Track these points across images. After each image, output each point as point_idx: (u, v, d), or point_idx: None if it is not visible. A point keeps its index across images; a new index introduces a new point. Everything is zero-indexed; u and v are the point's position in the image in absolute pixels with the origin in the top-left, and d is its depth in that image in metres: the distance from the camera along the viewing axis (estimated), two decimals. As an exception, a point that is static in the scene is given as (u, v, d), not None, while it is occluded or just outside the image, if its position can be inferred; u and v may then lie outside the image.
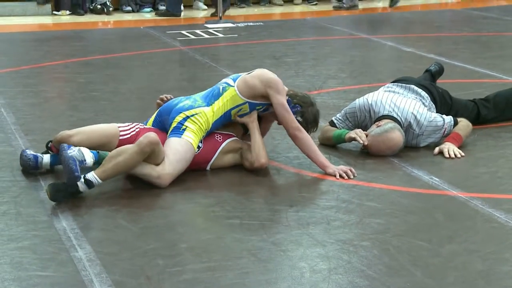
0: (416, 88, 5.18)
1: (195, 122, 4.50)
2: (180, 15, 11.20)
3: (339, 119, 5.14)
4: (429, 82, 5.50)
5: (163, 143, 4.39)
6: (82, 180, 4.10)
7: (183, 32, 9.79)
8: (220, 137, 4.64)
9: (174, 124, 4.51)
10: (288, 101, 4.59)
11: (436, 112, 5.11)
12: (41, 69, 7.71)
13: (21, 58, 8.26)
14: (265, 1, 12.44)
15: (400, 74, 5.85)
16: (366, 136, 4.84)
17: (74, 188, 4.08)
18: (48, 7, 11.44)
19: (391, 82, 5.38)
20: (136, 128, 4.57)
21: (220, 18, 10.63)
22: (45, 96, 6.63)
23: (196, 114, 4.53)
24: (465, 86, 6.39)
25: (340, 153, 4.93)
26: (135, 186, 4.34)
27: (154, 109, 4.83)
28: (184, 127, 4.48)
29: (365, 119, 5.03)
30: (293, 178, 4.58)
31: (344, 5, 11.67)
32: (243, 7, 12.18)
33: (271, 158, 4.78)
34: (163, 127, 4.61)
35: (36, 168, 4.53)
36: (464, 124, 5.00)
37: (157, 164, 4.28)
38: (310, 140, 4.56)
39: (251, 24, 10.49)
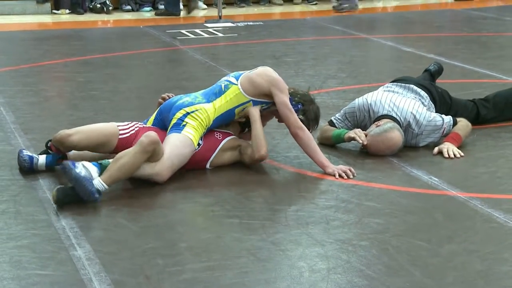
0: (415, 87, 5.18)
1: (195, 118, 4.51)
2: (179, 14, 11.20)
3: (338, 119, 5.14)
4: (429, 82, 5.50)
5: (163, 142, 4.39)
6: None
7: (183, 31, 9.79)
8: (219, 135, 4.65)
9: (174, 121, 4.52)
10: (289, 99, 4.60)
11: (436, 112, 5.12)
12: (41, 68, 7.70)
13: (20, 57, 8.26)
14: (265, 1, 12.44)
15: (400, 74, 5.85)
16: (366, 136, 4.84)
17: (94, 201, 4.06)
18: (48, 6, 11.44)
19: (391, 82, 5.38)
20: (136, 127, 4.57)
21: (220, 17, 10.63)
22: (45, 95, 6.63)
23: (197, 110, 4.54)
24: (465, 86, 6.39)
25: (339, 152, 4.93)
26: (134, 185, 4.34)
27: (154, 108, 4.83)
28: (184, 123, 4.49)
29: (364, 118, 5.03)
30: (292, 178, 4.59)
31: (345, 6, 11.64)
32: (243, 6, 12.18)
33: (271, 158, 4.78)
34: (163, 125, 4.61)
35: (32, 169, 4.52)
36: (463, 124, 5.00)
37: (156, 161, 4.28)
38: (311, 139, 4.57)
39: (250, 23, 10.49)
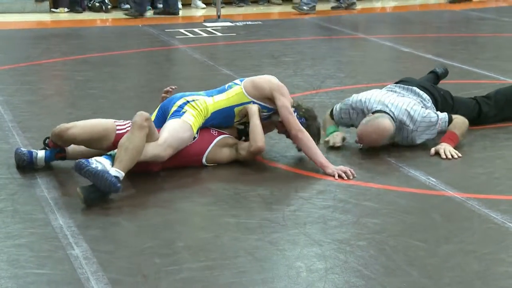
0: (417, 90, 5.19)
1: (195, 108, 4.58)
2: (178, 13, 11.20)
3: (337, 110, 5.14)
4: (431, 84, 5.50)
5: (162, 128, 4.44)
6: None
7: (182, 30, 9.79)
8: (215, 132, 4.69)
9: (174, 108, 4.59)
10: (294, 111, 4.64)
11: None
12: (39, 67, 7.70)
13: (19, 55, 8.26)
14: (264, 0, 12.44)
15: (398, 74, 5.86)
16: (344, 139, 4.96)
17: (117, 192, 4.07)
18: (46, 4, 11.44)
19: (393, 83, 5.39)
20: (132, 124, 4.58)
21: (219, 17, 10.63)
22: (43, 94, 6.63)
23: (197, 100, 4.62)
24: (463, 87, 6.39)
25: (337, 152, 4.93)
26: (132, 184, 4.34)
27: (153, 107, 4.84)
28: (184, 110, 4.56)
29: (358, 116, 5.03)
30: (290, 178, 4.58)
31: (342, 5, 11.68)
32: (242, 6, 12.18)
33: (269, 158, 4.79)
34: (164, 122, 4.62)
35: (32, 163, 4.53)
36: (459, 121, 4.97)
37: (153, 141, 4.32)
38: (311, 141, 4.59)
39: (249, 23, 10.49)
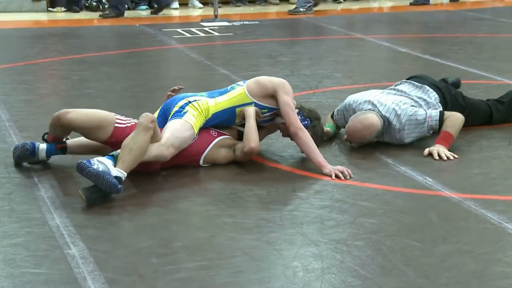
0: (427, 88, 5.19)
1: (196, 108, 4.59)
2: (170, 4, 11.26)
3: (335, 112, 5.20)
4: (444, 84, 5.49)
5: (164, 128, 4.44)
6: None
7: (179, 30, 9.78)
8: (215, 132, 4.68)
9: (175, 109, 4.60)
10: (298, 113, 4.65)
11: None
12: (36, 66, 7.70)
13: (16, 55, 8.25)
14: (261, 0, 12.44)
15: (395, 74, 5.87)
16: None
17: (118, 193, 4.07)
18: (43, 3, 11.43)
19: (407, 79, 5.39)
20: (133, 122, 4.57)
21: (216, 16, 10.63)
22: (40, 93, 6.62)
23: (198, 100, 4.63)
24: (461, 87, 6.39)
25: (334, 152, 4.93)
26: (129, 184, 4.34)
27: (149, 106, 4.85)
28: (185, 110, 4.57)
29: (351, 116, 5.04)
30: (287, 177, 4.58)
31: (301, 10, 11.36)
32: (239, 5, 12.18)
33: (266, 157, 4.79)
34: (165, 122, 4.62)
35: (33, 154, 4.54)
36: (452, 119, 4.94)
37: (157, 142, 4.33)
38: (310, 140, 4.59)
39: (246, 23, 10.49)
